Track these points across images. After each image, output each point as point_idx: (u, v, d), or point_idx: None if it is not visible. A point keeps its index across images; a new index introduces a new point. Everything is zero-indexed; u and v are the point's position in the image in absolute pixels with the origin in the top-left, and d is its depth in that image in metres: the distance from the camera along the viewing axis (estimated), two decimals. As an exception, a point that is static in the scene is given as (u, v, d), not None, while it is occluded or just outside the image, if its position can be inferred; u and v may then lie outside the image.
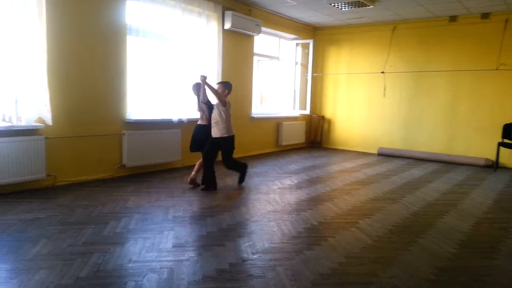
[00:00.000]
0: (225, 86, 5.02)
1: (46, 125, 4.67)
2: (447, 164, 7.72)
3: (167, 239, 3.31)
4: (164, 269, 2.75)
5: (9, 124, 4.41)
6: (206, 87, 4.90)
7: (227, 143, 4.99)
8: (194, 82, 5.22)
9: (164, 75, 6.08)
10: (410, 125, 8.44)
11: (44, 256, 2.88)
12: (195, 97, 5.21)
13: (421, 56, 8.18)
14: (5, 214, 3.77)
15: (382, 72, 8.59)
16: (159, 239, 3.28)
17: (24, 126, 4.52)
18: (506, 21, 7.20)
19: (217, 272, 2.74)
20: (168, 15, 6.04)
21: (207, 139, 5.00)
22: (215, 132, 4.93)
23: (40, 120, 4.63)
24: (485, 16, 7.39)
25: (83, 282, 2.50)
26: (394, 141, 8.64)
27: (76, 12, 4.90)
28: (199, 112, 5.19)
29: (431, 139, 8.20)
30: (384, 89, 8.61)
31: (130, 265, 2.80)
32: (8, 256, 2.86)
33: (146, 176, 5.71)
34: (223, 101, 4.87)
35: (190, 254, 3.03)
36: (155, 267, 2.78)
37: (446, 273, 2.87)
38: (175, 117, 6.17)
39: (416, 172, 6.82)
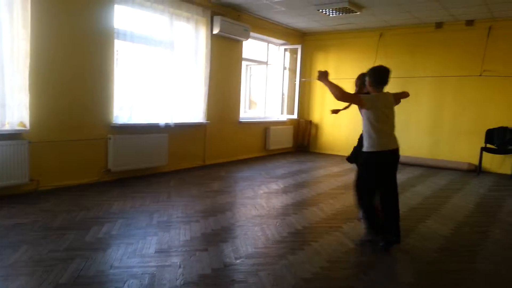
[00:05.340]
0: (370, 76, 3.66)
1: (31, 129, 4.62)
2: (431, 168, 7.81)
3: (150, 244, 3.30)
4: (146, 275, 2.73)
5: (-9, 128, 4.36)
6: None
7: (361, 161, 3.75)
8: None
9: (152, 80, 6.07)
10: (395, 129, 8.48)
11: (24, 262, 2.85)
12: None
13: (407, 62, 8.28)
14: (-14, 220, 3.72)
15: (369, 78, 8.64)
16: (142, 245, 3.26)
17: (7, 130, 4.46)
18: (490, 28, 7.33)
19: (199, 277, 2.73)
20: (156, 20, 6.03)
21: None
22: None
23: (22, 124, 4.58)
24: (469, 23, 7.52)
25: (62, 289, 2.48)
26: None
27: (62, 16, 4.87)
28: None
29: (415, 144, 8.28)
30: (371, 94, 8.66)
31: (111, 271, 2.78)
32: (-12, 262, 2.82)
33: (132, 180, 5.67)
34: (356, 99, 3.69)
35: (172, 259, 3.02)
36: (136, 273, 2.77)
37: (426, 277, 2.91)
38: (162, 122, 6.16)
39: (400, 176, 6.85)
